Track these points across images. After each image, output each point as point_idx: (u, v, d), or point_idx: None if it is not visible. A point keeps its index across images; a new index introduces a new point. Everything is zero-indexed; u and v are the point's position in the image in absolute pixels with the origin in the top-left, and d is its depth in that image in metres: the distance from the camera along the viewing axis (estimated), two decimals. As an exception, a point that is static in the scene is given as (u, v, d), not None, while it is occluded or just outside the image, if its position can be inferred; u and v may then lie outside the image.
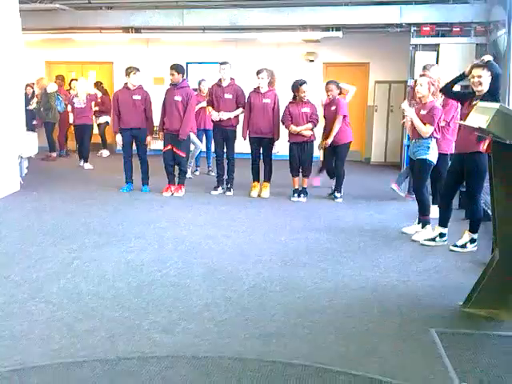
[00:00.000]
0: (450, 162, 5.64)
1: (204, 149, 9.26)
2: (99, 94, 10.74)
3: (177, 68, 7.23)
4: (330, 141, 7.21)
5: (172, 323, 3.38)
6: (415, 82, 5.70)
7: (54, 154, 10.58)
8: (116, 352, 3.00)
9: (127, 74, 7.44)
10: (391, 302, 3.82)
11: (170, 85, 7.40)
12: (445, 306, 3.74)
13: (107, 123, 10.88)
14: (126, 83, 7.50)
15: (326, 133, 7.36)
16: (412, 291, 4.02)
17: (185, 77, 7.45)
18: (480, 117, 3.47)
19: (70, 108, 10.07)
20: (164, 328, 3.31)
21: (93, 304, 3.67)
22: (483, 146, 3.80)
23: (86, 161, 9.79)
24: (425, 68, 6.32)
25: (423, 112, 5.37)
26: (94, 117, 10.48)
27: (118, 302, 3.71)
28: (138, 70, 7.49)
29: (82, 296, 3.81)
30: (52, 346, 3.05)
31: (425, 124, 5.32)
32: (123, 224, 5.83)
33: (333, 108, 7.22)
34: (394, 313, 3.63)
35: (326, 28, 10.15)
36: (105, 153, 11.23)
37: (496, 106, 3.36)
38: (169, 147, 7.34)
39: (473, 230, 5.05)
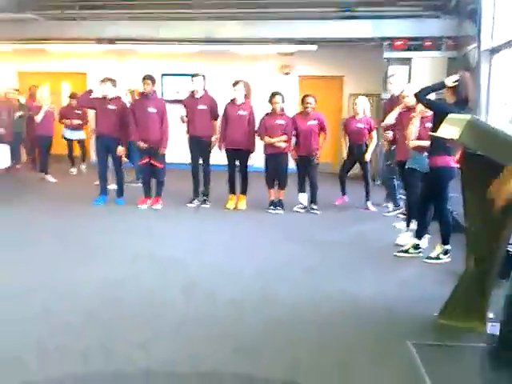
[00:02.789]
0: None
1: None
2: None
3: (151, 78, 7.18)
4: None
5: (147, 339, 3.31)
6: (402, 92, 5.75)
7: (19, 166, 10.38)
8: (89, 369, 2.93)
9: (101, 83, 7.30)
10: (368, 314, 3.82)
11: (140, 95, 7.33)
12: (421, 318, 3.75)
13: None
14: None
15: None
16: (389, 303, 4.02)
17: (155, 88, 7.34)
18: (451, 128, 3.46)
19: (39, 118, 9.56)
20: (139, 344, 3.23)
21: (66, 320, 3.58)
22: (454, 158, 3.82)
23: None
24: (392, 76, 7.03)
25: (417, 123, 5.36)
26: (72, 130, 10.24)
27: (92, 318, 3.62)
28: (111, 80, 7.37)
29: (55, 312, 3.71)
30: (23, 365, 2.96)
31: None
32: (98, 239, 5.72)
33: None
34: (371, 325, 3.63)
35: (301, 41, 10.24)
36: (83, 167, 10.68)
37: (467, 117, 3.36)
38: (146, 160, 7.26)
39: (444, 241, 5.10)
